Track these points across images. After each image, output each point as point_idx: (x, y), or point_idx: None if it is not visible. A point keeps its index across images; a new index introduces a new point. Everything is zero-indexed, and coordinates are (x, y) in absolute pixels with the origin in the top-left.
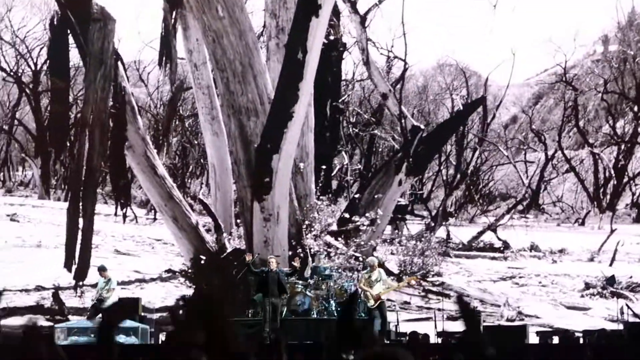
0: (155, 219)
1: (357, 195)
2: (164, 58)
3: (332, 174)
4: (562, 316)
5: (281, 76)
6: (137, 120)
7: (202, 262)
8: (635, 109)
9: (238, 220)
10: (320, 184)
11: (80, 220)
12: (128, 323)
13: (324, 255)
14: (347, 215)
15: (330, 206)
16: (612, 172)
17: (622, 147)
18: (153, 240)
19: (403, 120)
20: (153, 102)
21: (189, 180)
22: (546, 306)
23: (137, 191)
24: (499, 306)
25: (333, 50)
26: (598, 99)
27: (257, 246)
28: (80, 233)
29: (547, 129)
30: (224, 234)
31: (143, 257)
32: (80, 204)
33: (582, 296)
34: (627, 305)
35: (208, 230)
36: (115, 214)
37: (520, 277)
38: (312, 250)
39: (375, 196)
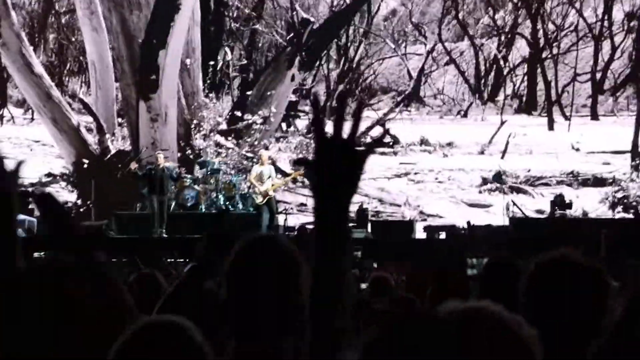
0: (33, 119)
1: (248, 93)
2: None
3: (221, 71)
4: (464, 214)
5: None
6: (10, 15)
7: (85, 165)
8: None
9: (120, 120)
10: (208, 81)
11: None
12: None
13: (211, 150)
14: (238, 114)
15: (218, 104)
16: (493, 63)
17: (502, 38)
18: (31, 141)
19: (294, 13)
20: None
21: (67, 79)
22: (447, 204)
23: (13, 90)
24: (399, 206)
25: None
26: None
27: (143, 148)
28: None
29: (427, 22)
30: (107, 135)
31: (21, 159)
32: None
33: (480, 192)
34: (512, 201)
35: (89, 131)
36: None
37: (415, 174)
38: (200, 153)
39: (267, 93)
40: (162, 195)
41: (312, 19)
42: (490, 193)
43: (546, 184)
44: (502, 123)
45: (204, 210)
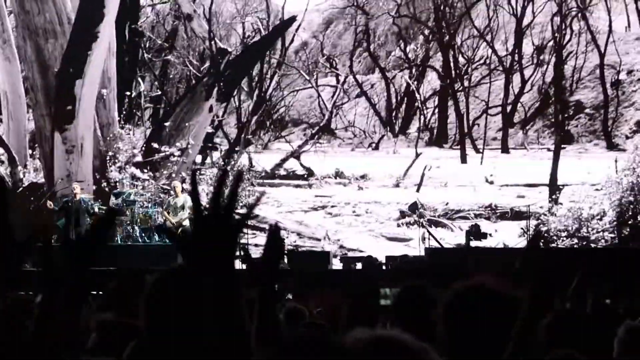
0: None
1: (166, 124)
2: None
3: (134, 102)
4: (384, 248)
5: None
6: None
7: None
8: (426, 32)
9: (33, 152)
10: (124, 112)
11: None
12: None
13: (127, 182)
14: (155, 145)
15: (132, 135)
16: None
17: (414, 70)
18: None
19: (212, 43)
20: None
21: None
22: (366, 238)
23: None
24: (318, 239)
25: None
26: (388, 23)
27: (58, 180)
28: None
29: (338, 54)
30: (19, 167)
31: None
32: None
33: (399, 225)
34: (428, 232)
35: (0, 163)
36: None
37: (332, 207)
38: (116, 185)
39: (184, 124)
40: (78, 227)
41: (229, 49)
42: (408, 226)
43: (464, 217)
44: (417, 155)
45: (119, 242)
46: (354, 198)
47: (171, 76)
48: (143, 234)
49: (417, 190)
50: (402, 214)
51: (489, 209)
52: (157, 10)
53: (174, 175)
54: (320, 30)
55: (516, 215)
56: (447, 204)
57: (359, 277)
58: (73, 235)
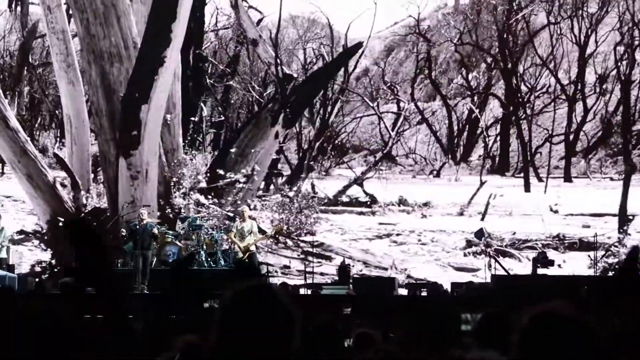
0: (2, 172)
1: (232, 150)
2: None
3: (196, 127)
4: (452, 278)
5: (151, 16)
6: None
7: (60, 223)
8: (489, 60)
9: (95, 177)
10: (188, 138)
11: None
12: None
13: (192, 208)
14: (221, 172)
15: (196, 161)
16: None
17: (475, 98)
18: (2, 197)
19: (278, 68)
20: (0, 51)
21: (37, 133)
22: (434, 267)
23: None
24: (385, 269)
25: None
26: (449, 51)
27: (123, 207)
28: None
29: (399, 81)
30: (82, 192)
31: None
32: None
33: (466, 255)
34: (495, 259)
35: (63, 187)
36: None
37: (397, 235)
38: (182, 211)
39: (250, 150)
40: (145, 251)
41: (295, 75)
42: (475, 256)
43: (532, 247)
44: (482, 184)
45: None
46: (419, 226)
47: (232, 101)
48: (209, 259)
49: (482, 219)
50: (469, 243)
51: (556, 239)
52: (220, 36)
53: (239, 202)
54: (381, 58)
55: (584, 245)
56: (514, 233)
57: (431, 303)
58: (139, 258)
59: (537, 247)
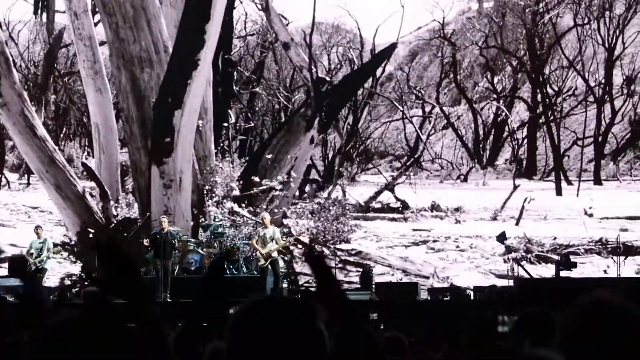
0: (28, 184)
1: (269, 156)
2: (40, 5)
3: (228, 133)
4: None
5: (184, 17)
6: (12, 73)
7: (90, 235)
8: (514, 63)
9: (124, 186)
10: (220, 144)
11: None
12: (18, 282)
13: (224, 218)
14: (256, 179)
15: (229, 169)
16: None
17: (501, 102)
18: (29, 208)
19: (312, 71)
20: (24, 62)
21: (62, 143)
22: (476, 275)
23: (8, 154)
24: (426, 277)
25: None
26: (474, 55)
27: (156, 217)
28: None
29: (424, 86)
30: (111, 202)
31: (19, 227)
32: None
33: (505, 261)
34: (517, 262)
35: (91, 197)
36: None
37: (433, 241)
38: (216, 219)
39: (284, 156)
40: (166, 260)
41: (327, 79)
42: (516, 262)
43: (574, 253)
44: (515, 187)
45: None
46: (454, 232)
47: (257, 108)
48: (231, 266)
49: (517, 224)
50: (508, 249)
51: (599, 243)
52: (246, 42)
53: (275, 210)
54: (405, 62)
55: (628, 250)
56: (554, 238)
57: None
58: (161, 267)
59: (580, 252)
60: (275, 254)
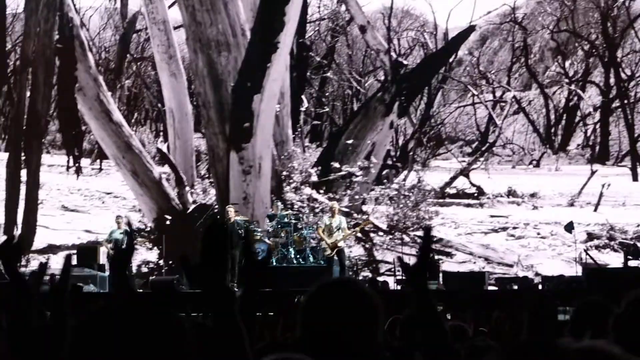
0: (101, 169)
1: (349, 142)
2: None
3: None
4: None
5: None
6: (87, 57)
7: (167, 222)
8: (586, 47)
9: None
10: (298, 129)
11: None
12: (87, 271)
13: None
14: (335, 164)
15: (306, 154)
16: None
17: (573, 86)
18: (103, 193)
19: (390, 54)
20: (95, 47)
21: (134, 129)
22: (560, 264)
23: None
24: (510, 265)
25: None
26: (544, 39)
27: (233, 203)
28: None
29: (494, 70)
30: (187, 188)
31: (93, 213)
32: (23, 156)
33: (587, 249)
34: (585, 251)
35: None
36: (68, 168)
37: (513, 228)
38: (294, 206)
39: (363, 141)
40: (233, 250)
41: (405, 62)
42: (600, 251)
43: None
44: (593, 173)
45: (274, 264)
46: (532, 218)
47: (327, 93)
48: (298, 256)
49: (595, 210)
50: (590, 236)
51: None
52: (318, 26)
53: (356, 196)
54: (476, 47)
55: None
56: (638, 225)
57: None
58: (229, 256)
59: None
60: (342, 244)
